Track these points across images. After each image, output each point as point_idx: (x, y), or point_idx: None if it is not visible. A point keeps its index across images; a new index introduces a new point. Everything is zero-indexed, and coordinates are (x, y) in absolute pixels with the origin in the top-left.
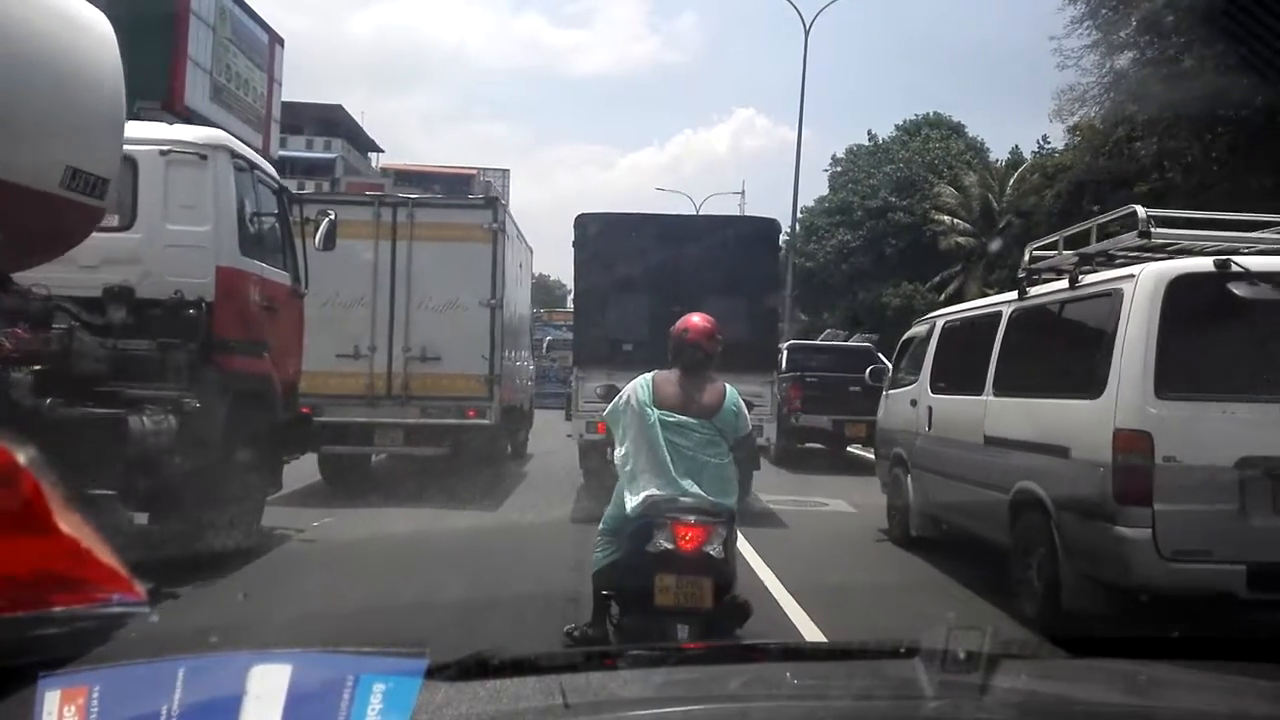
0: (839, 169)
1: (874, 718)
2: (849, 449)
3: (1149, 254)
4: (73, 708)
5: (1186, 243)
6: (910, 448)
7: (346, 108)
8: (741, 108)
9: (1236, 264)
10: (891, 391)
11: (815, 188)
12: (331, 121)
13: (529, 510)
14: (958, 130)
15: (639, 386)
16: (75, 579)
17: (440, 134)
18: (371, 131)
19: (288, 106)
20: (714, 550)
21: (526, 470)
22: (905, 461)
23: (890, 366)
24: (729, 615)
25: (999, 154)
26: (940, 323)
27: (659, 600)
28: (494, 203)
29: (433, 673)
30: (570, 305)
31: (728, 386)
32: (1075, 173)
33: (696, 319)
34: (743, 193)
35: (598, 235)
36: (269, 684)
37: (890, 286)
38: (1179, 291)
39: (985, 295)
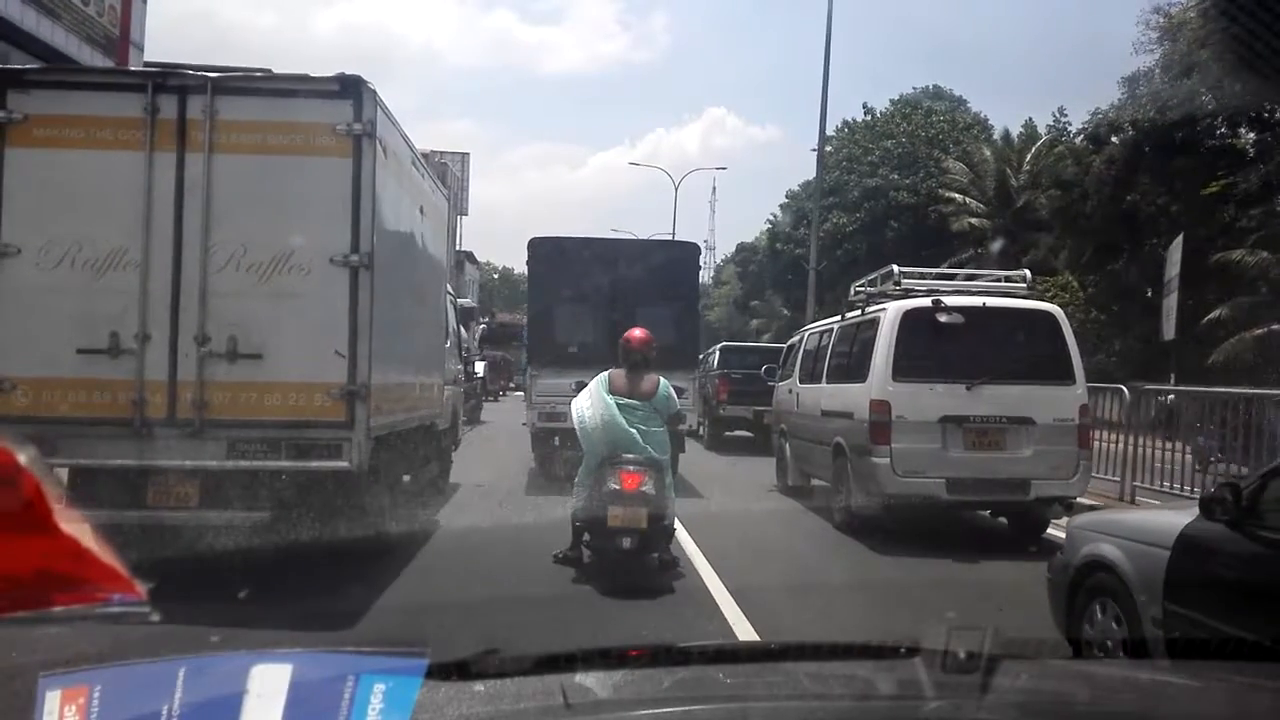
0: (829, 148)
1: (874, 717)
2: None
3: (914, 294)
4: (73, 707)
5: (928, 286)
6: (788, 422)
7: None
8: (713, 107)
9: (943, 302)
10: (779, 384)
11: (779, 192)
12: None
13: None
14: (960, 105)
15: (599, 380)
16: (76, 579)
17: (406, 131)
18: None
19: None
20: (647, 488)
21: (438, 520)
22: (785, 433)
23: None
24: (658, 533)
25: (1003, 132)
26: (806, 334)
27: (610, 523)
28: (356, 87)
29: (433, 672)
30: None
31: (661, 379)
32: (1137, 131)
33: (637, 332)
34: (718, 171)
35: (548, 255)
36: (269, 684)
37: None
38: (908, 319)
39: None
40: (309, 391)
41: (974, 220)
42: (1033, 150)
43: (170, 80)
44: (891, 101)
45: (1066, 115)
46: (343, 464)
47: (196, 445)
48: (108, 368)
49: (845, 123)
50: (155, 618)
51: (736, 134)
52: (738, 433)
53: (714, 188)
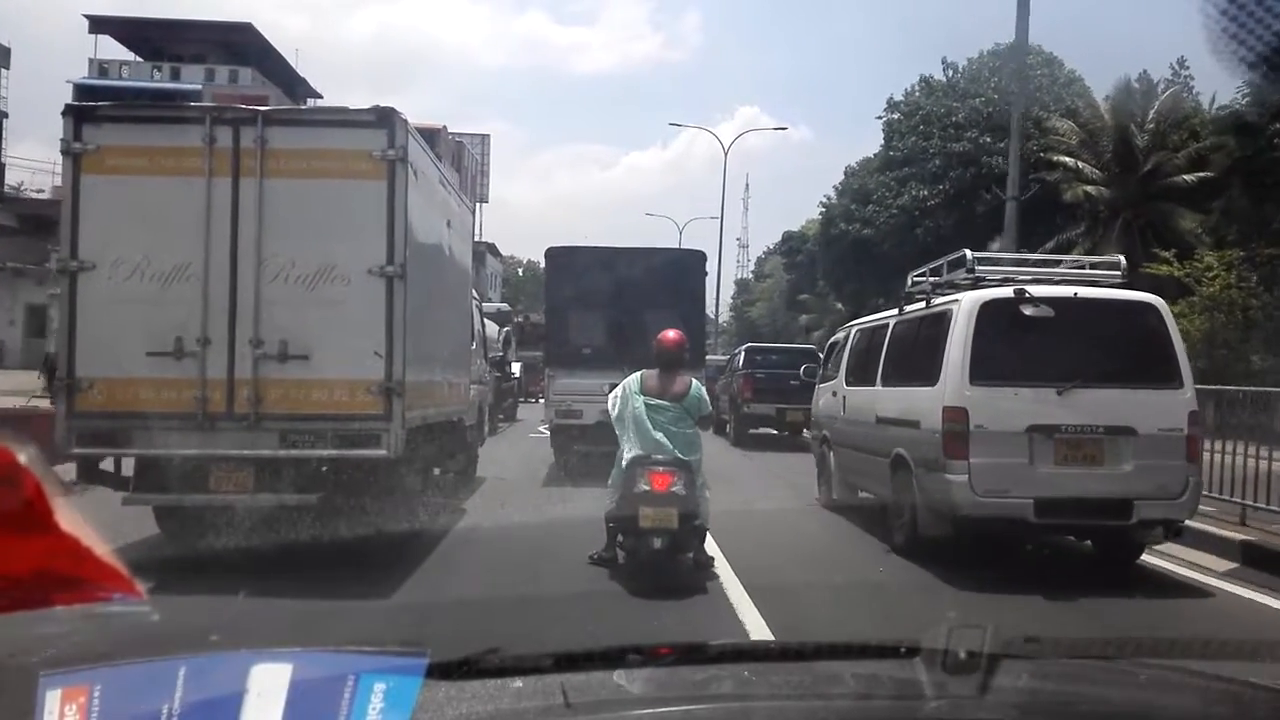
0: (897, 115)
1: (875, 717)
2: (805, 434)
3: (987, 283)
4: (74, 706)
5: (1003, 274)
6: (832, 429)
7: (277, 47)
8: (745, 106)
9: (1027, 293)
10: (821, 385)
11: (813, 191)
12: (238, 46)
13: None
14: (1053, 61)
15: (631, 380)
16: (76, 578)
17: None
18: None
19: (178, 26)
20: (678, 489)
21: (466, 509)
22: (828, 440)
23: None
24: (690, 533)
25: (1121, 80)
26: (853, 330)
27: (642, 524)
28: (390, 118)
29: (433, 672)
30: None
31: (693, 379)
32: None
33: (671, 334)
34: (778, 132)
35: (564, 263)
36: (270, 683)
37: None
38: (986, 312)
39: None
40: (351, 388)
41: (1089, 189)
42: (1155, 105)
43: (226, 114)
44: (969, 60)
45: (1188, 67)
46: (381, 452)
47: (252, 436)
48: (173, 368)
49: (922, 78)
50: (155, 617)
51: (769, 134)
52: (763, 430)
53: (747, 184)
